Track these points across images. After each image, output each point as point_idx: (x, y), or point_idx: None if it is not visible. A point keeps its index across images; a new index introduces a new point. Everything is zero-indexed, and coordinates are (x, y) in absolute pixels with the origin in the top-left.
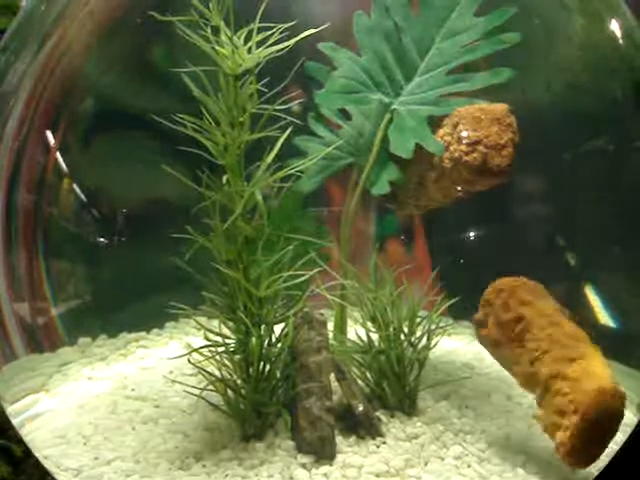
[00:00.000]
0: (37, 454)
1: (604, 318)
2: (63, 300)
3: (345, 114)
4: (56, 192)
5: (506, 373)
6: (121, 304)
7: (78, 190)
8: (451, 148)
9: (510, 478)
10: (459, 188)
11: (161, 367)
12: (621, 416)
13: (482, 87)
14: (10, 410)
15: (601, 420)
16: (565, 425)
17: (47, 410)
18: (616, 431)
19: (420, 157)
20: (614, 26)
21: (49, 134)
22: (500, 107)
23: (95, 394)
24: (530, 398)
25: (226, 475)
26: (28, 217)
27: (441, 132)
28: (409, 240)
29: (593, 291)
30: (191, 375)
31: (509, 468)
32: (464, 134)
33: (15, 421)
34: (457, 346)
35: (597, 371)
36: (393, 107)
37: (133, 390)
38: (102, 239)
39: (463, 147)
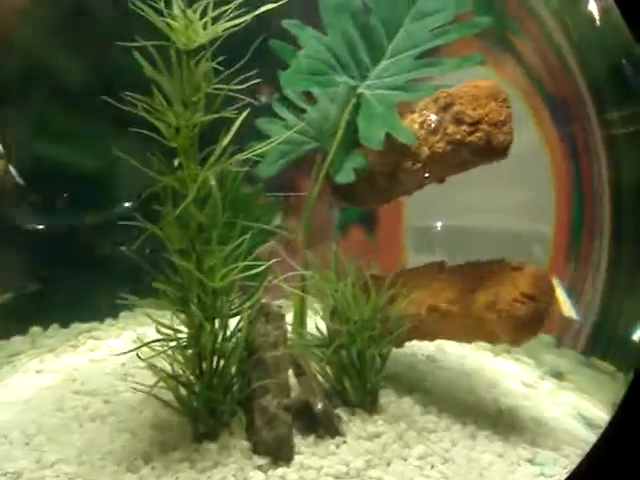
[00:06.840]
0: None
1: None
2: (11, 288)
3: (310, 96)
4: None
5: (468, 365)
6: (73, 293)
7: (13, 172)
8: (448, 131)
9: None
10: (427, 175)
11: (112, 359)
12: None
13: (452, 72)
14: None
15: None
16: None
17: None
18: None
19: (395, 146)
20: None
21: None
22: (491, 83)
23: (42, 387)
24: (494, 392)
25: (177, 478)
26: None
27: (416, 117)
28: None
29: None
30: (144, 368)
31: (475, 469)
32: (464, 114)
33: None
34: None
35: None
36: (359, 91)
37: (82, 384)
38: (44, 225)
39: (465, 127)
